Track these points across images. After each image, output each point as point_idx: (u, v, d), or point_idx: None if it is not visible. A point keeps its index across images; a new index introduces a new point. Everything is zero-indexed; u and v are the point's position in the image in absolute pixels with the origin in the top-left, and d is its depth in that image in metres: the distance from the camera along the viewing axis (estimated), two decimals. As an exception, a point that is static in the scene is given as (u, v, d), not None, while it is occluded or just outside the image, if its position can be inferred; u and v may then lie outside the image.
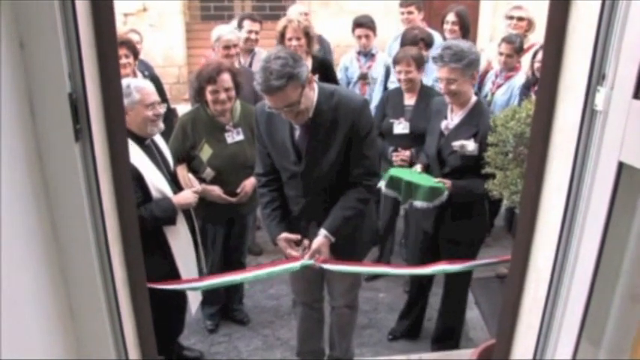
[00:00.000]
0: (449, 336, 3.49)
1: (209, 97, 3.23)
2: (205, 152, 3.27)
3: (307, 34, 4.10)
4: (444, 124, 3.08)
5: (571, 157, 1.50)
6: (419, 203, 3.03)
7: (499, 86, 4.17)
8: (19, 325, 1.23)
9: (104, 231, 1.46)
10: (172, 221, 2.81)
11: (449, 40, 3.21)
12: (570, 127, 1.53)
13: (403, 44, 4.27)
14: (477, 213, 3.13)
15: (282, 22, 4.16)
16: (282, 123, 2.59)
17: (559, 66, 1.61)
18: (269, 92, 2.35)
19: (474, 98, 3.04)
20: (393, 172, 3.20)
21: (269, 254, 4.60)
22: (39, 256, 1.35)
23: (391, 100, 3.93)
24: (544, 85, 1.66)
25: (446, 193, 2.96)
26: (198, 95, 3.27)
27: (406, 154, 3.79)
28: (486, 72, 4.58)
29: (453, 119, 3.07)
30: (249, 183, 3.38)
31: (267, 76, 2.30)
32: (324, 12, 8.21)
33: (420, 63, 3.80)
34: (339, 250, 2.71)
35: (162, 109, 2.85)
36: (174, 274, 2.83)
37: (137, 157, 2.69)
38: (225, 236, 3.54)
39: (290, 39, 4.04)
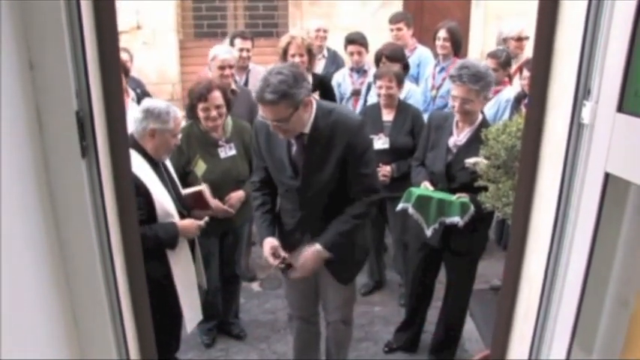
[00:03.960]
0: (446, 347, 3.53)
1: (201, 114, 3.32)
2: (200, 167, 3.33)
3: (310, 52, 4.19)
4: (451, 140, 3.13)
5: (560, 169, 1.55)
6: (455, 219, 3.02)
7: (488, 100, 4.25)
8: (26, 329, 1.28)
9: (108, 241, 1.50)
10: (173, 246, 2.83)
11: (466, 60, 3.29)
12: (559, 140, 1.59)
13: (375, 61, 4.39)
14: (482, 226, 3.18)
15: (285, 39, 4.24)
16: (280, 138, 2.63)
17: (547, 81, 1.67)
18: (261, 103, 2.41)
19: (480, 115, 3.11)
20: (418, 191, 3.17)
21: (262, 281, 4.63)
22: (45, 265, 1.39)
23: (369, 116, 3.97)
24: (533, 99, 1.72)
25: (472, 207, 2.96)
26: (191, 112, 3.36)
27: (387, 169, 3.85)
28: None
29: (459, 136, 3.12)
30: (235, 196, 3.42)
31: (264, 87, 2.36)
32: (316, 28, 8.32)
33: (400, 80, 3.90)
34: (333, 269, 2.75)
35: (179, 141, 2.93)
36: (173, 295, 2.88)
37: (147, 175, 2.73)
38: (219, 248, 3.59)
39: (293, 55, 4.11)
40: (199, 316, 3.15)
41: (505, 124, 2.59)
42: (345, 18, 8.41)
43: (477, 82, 2.92)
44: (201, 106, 3.29)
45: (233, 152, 3.44)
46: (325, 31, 5.37)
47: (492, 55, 4.35)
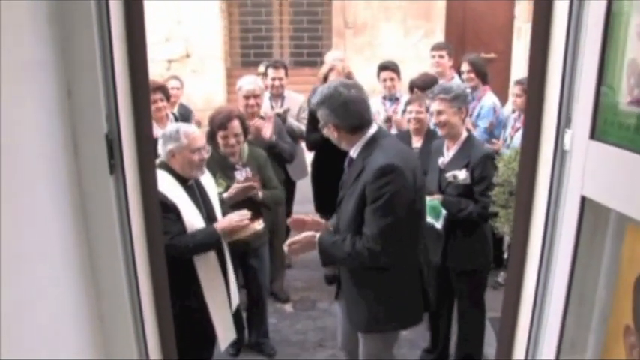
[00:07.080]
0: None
1: (220, 141, 3.54)
2: (220, 186, 3.53)
3: (349, 78, 4.39)
4: (440, 160, 3.32)
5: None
6: (429, 220, 3.12)
7: (517, 130, 4.31)
8: (58, 330, 1.46)
9: (132, 252, 1.68)
10: (218, 246, 2.97)
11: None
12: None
13: (409, 90, 4.65)
14: (477, 239, 3.26)
15: (326, 66, 4.52)
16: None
17: (542, 108, 1.76)
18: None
19: (465, 134, 3.27)
20: None
21: (295, 302, 4.72)
22: (76, 272, 1.57)
23: None
24: (528, 127, 1.82)
25: (444, 210, 3.13)
26: (211, 138, 3.57)
27: None
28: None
29: (448, 155, 3.30)
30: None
31: (318, 94, 2.52)
32: (359, 58, 8.48)
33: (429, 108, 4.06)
34: (347, 304, 2.73)
35: (207, 155, 3.07)
36: (206, 317, 2.97)
37: (177, 195, 2.88)
38: (244, 272, 3.73)
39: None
40: (233, 334, 3.22)
41: (516, 151, 2.67)
42: (387, 48, 8.56)
43: (447, 94, 3.18)
44: (221, 134, 3.51)
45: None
46: (342, 60, 5.54)
47: (519, 82, 4.45)
